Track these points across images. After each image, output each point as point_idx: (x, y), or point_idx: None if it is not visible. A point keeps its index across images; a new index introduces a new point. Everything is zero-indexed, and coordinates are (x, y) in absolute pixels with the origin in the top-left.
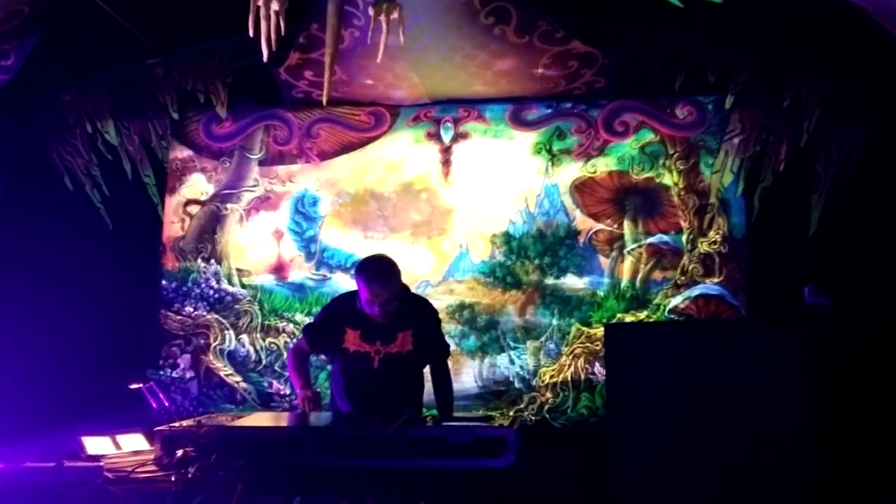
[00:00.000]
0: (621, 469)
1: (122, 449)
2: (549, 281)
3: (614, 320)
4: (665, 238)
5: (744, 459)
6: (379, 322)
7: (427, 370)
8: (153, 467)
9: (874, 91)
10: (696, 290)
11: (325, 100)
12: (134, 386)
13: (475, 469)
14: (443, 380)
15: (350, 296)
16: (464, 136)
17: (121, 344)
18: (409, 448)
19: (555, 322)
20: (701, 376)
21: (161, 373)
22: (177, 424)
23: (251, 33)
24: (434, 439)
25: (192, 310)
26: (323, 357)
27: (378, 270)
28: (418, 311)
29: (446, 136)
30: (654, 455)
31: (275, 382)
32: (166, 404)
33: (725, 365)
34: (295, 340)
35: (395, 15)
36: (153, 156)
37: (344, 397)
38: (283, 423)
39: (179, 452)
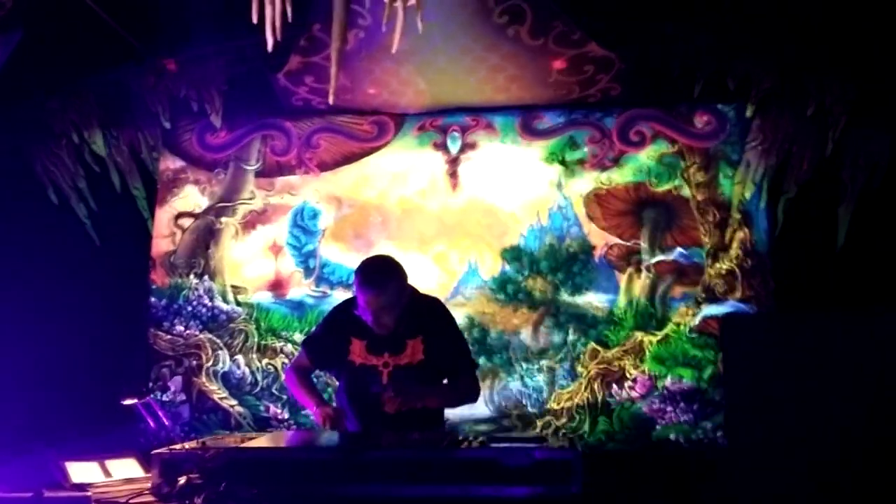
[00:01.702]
0: (744, 491)
1: (112, 476)
2: (563, 298)
3: (631, 339)
4: (684, 253)
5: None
6: (377, 331)
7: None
8: (150, 498)
9: None
10: (718, 308)
11: (331, 98)
12: (128, 402)
13: (535, 497)
14: (459, 387)
15: (352, 302)
16: (472, 146)
17: (108, 365)
18: (455, 472)
19: (569, 341)
20: (841, 374)
21: (151, 395)
22: (178, 447)
23: (254, 19)
24: (485, 462)
25: (183, 329)
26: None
27: (374, 273)
28: (428, 315)
29: (453, 147)
30: (783, 473)
31: (272, 406)
32: (166, 422)
33: (875, 360)
34: (293, 358)
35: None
36: (143, 167)
37: (350, 418)
38: (305, 445)
39: (182, 480)
